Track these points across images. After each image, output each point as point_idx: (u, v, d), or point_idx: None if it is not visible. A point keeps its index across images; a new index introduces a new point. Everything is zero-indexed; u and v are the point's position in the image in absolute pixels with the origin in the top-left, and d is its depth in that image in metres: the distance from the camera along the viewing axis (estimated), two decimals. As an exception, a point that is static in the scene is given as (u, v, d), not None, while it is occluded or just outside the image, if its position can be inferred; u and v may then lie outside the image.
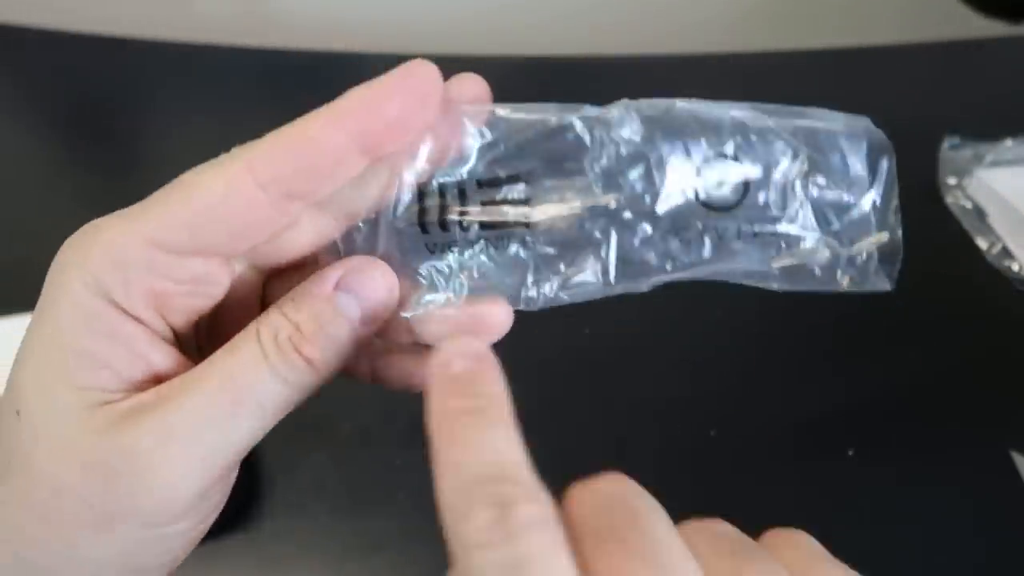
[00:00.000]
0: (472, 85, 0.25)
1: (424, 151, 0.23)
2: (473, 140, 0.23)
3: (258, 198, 0.22)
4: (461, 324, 0.25)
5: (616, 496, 0.20)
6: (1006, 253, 0.59)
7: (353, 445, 0.49)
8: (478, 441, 0.20)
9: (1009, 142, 0.67)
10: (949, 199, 0.64)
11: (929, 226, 0.63)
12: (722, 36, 0.86)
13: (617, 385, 0.51)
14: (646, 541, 0.19)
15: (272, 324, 0.23)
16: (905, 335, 0.55)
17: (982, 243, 0.60)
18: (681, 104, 0.24)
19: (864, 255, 0.25)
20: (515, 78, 0.82)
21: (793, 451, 0.49)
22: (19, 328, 0.55)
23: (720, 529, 0.21)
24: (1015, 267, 0.58)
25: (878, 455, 0.48)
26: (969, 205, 0.63)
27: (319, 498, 0.46)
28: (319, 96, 0.74)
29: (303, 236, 0.24)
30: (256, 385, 0.22)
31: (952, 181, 0.65)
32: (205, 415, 0.22)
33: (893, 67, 0.79)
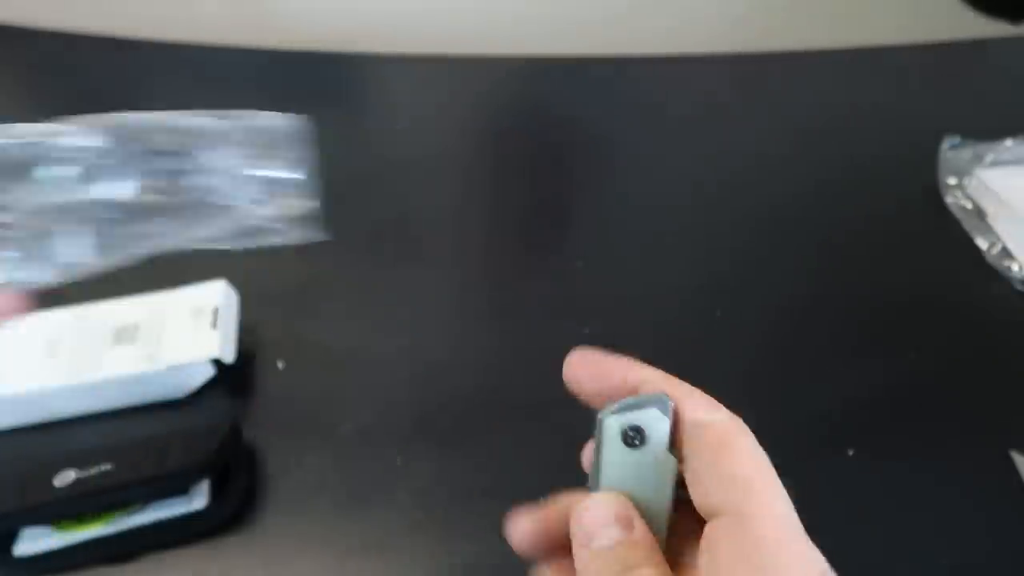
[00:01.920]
0: None
1: None
2: None
3: None
4: None
5: None
6: (1006, 253, 0.59)
7: (353, 445, 0.49)
8: None
9: (1009, 142, 0.67)
10: (949, 199, 0.64)
11: (929, 226, 0.63)
12: (722, 36, 0.86)
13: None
14: None
15: None
16: (905, 335, 0.55)
17: (982, 243, 0.60)
18: (141, 116, 0.30)
19: (292, 216, 0.32)
20: (515, 78, 0.83)
21: (793, 451, 0.49)
22: (16, 328, 0.55)
23: None
24: (1015, 267, 0.58)
25: (878, 455, 0.48)
26: (969, 205, 0.63)
27: (319, 497, 0.46)
28: (319, 96, 0.74)
29: None
30: None
31: (952, 181, 0.65)
32: None
33: (893, 67, 0.79)
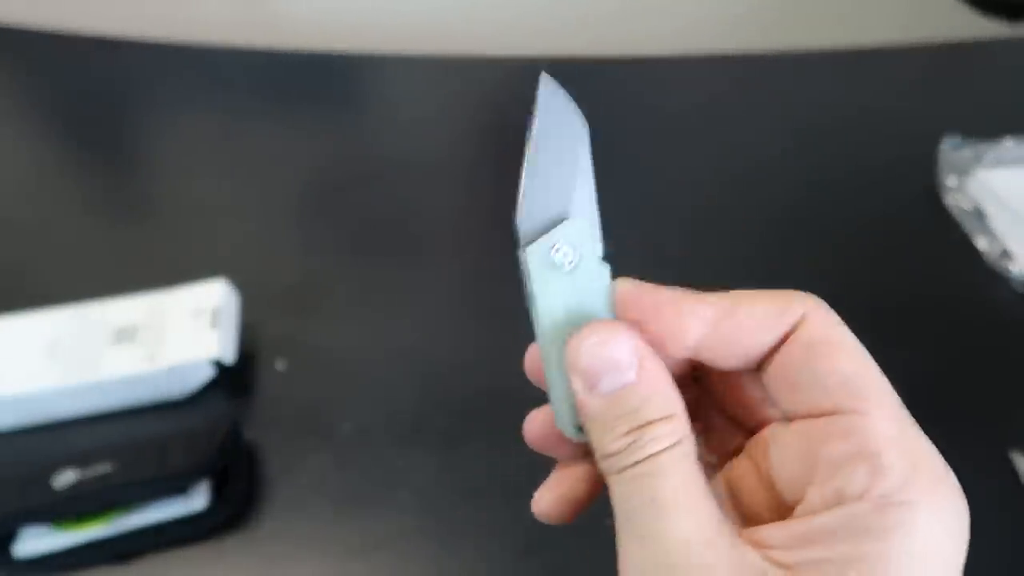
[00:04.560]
0: None
1: None
2: None
3: None
4: None
5: None
6: (1006, 254, 0.59)
7: (353, 445, 0.49)
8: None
9: (1009, 142, 0.66)
10: (949, 199, 0.64)
11: (929, 226, 0.63)
12: (722, 36, 0.86)
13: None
14: None
15: None
16: (905, 335, 0.55)
17: (982, 243, 0.60)
18: None
19: None
20: (515, 79, 0.82)
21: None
22: (16, 328, 0.55)
23: None
24: (1015, 268, 0.58)
25: (878, 455, 0.48)
26: (969, 206, 0.63)
27: (319, 498, 0.46)
28: (319, 96, 0.75)
29: None
30: None
31: (952, 181, 0.64)
32: None
33: (893, 67, 0.79)
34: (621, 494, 0.21)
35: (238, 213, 0.66)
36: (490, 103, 0.77)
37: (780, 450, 0.23)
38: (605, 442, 0.22)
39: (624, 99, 0.76)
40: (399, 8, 0.89)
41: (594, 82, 0.80)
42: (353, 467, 0.48)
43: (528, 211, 0.23)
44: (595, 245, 0.23)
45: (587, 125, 0.23)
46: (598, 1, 0.90)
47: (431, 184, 0.68)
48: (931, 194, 0.65)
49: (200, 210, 0.66)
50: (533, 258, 0.23)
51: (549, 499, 0.26)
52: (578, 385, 0.22)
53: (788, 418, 0.23)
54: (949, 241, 0.61)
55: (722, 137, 0.72)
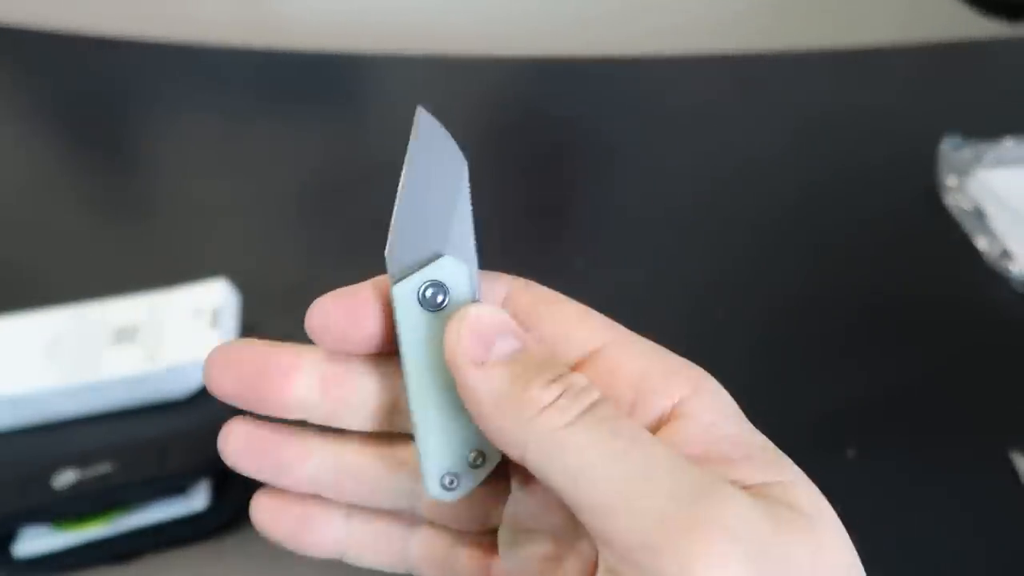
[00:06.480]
0: None
1: None
2: None
3: None
4: None
5: None
6: (1006, 254, 0.59)
7: (353, 445, 0.49)
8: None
9: (1009, 142, 0.66)
10: (949, 199, 0.64)
11: (929, 226, 0.63)
12: (722, 36, 0.86)
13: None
14: None
15: None
16: (905, 335, 0.55)
17: (982, 243, 0.60)
18: None
19: None
20: (515, 79, 0.83)
21: (793, 451, 0.49)
22: (16, 328, 0.55)
23: None
24: (1015, 268, 0.58)
25: (878, 455, 0.48)
26: (969, 205, 0.63)
27: (319, 498, 0.46)
28: (319, 96, 0.75)
29: None
30: None
31: (952, 181, 0.64)
32: None
33: (893, 67, 0.79)
34: (581, 444, 0.19)
35: (238, 213, 0.66)
36: (490, 103, 0.77)
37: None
38: (529, 397, 0.19)
39: (624, 99, 0.76)
40: (399, 8, 0.90)
41: (594, 82, 0.80)
42: (353, 467, 0.48)
43: (400, 247, 0.22)
44: (470, 285, 0.22)
45: (466, 163, 0.22)
46: (598, 1, 0.90)
47: (431, 184, 0.68)
48: (931, 194, 0.65)
49: (200, 210, 0.66)
50: (401, 296, 0.22)
51: None
52: (468, 355, 0.20)
53: None
54: (949, 241, 0.61)
55: (722, 137, 0.72)
